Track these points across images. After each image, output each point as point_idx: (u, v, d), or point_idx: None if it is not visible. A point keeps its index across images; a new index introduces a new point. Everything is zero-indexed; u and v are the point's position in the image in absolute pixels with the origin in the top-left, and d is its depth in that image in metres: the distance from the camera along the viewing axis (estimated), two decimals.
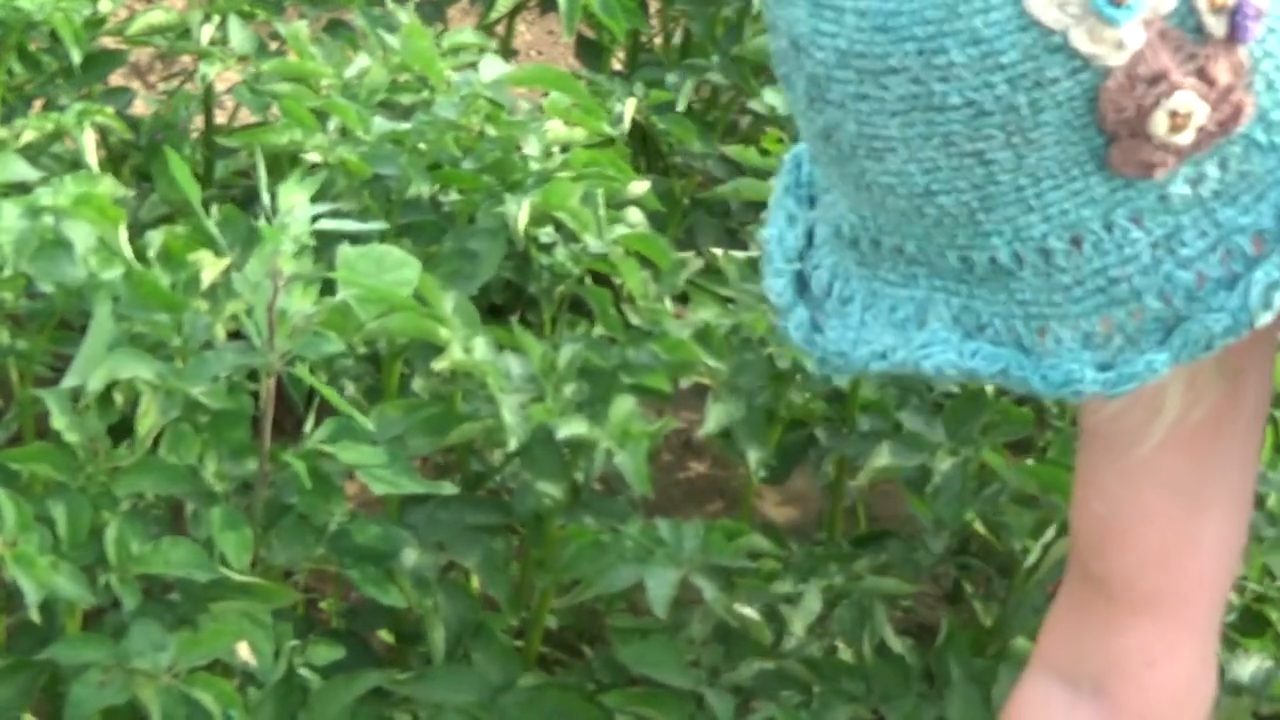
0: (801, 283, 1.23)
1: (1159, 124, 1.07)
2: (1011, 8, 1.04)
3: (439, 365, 1.88)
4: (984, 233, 1.10)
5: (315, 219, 1.72)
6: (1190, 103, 1.06)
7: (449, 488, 1.86)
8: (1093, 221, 1.09)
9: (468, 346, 1.87)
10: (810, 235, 1.23)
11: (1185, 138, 1.07)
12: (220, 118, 2.77)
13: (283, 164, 2.14)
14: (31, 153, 2.14)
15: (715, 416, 2.04)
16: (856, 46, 1.07)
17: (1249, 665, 2.07)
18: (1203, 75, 1.06)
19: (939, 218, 1.11)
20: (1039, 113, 1.06)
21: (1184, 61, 1.06)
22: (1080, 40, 1.04)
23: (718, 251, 2.20)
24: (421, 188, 2.01)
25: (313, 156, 2.03)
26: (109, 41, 2.50)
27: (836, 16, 1.07)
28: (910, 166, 1.09)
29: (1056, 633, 1.39)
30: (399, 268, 1.71)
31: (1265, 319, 1.10)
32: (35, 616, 1.73)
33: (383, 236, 1.94)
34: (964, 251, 1.12)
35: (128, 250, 1.84)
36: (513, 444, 1.84)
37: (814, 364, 1.22)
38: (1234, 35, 1.07)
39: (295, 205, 1.70)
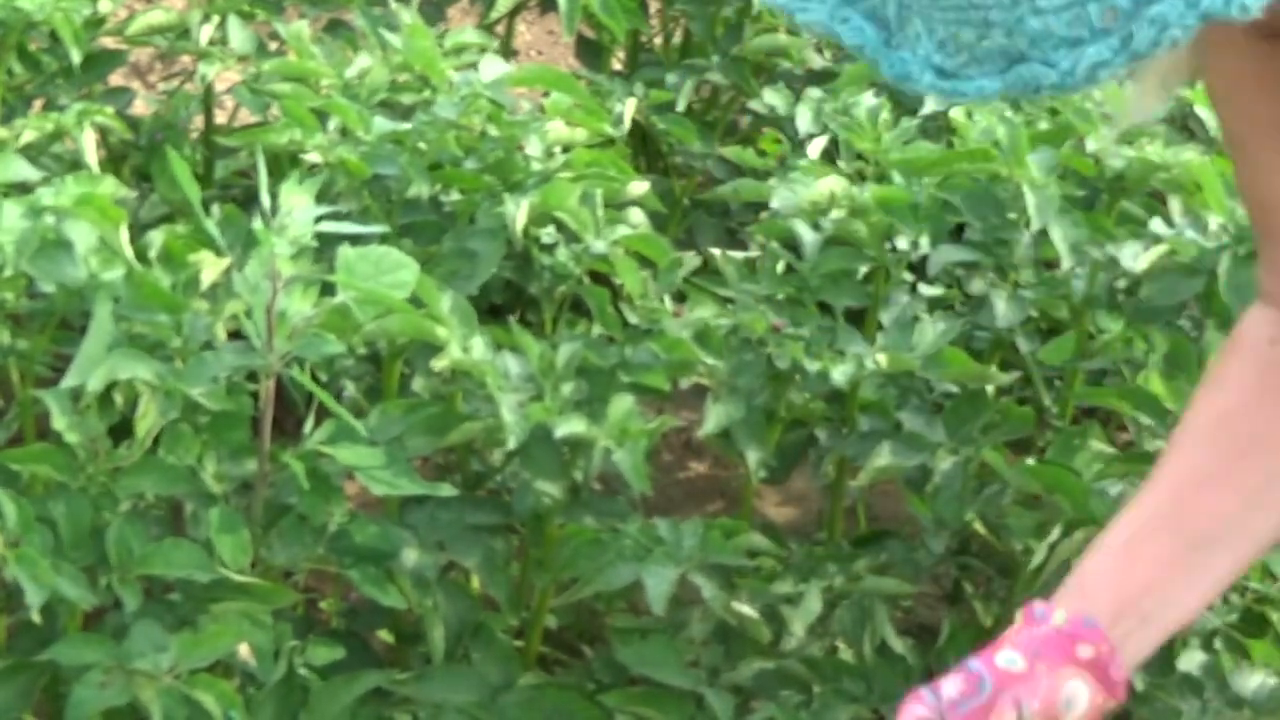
0: None
1: None
2: None
3: (438, 365, 1.88)
4: None
5: (318, 220, 1.72)
6: None
7: (448, 489, 1.86)
8: None
9: (466, 346, 1.87)
10: None
11: None
12: (220, 118, 2.76)
13: (283, 164, 2.14)
14: (31, 153, 2.14)
15: (715, 417, 2.04)
16: None
17: (1252, 680, 2.07)
18: None
19: None
20: None
21: None
22: None
23: (716, 251, 2.20)
24: (422, 188, 2.01)
25: (313, 156, 2.03)
26: (109, 41, 2.50)
27: None
28: None
29: (1266, 272, 1.53)
30: (397, 269, 1.71)
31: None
32: (36, 617, 1.73)
33: (384, 237, 1.94)
34: None
35: (128, 251, 1.84)
36: (512, 443, 1.84)
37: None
38: None
39: (296, 207, 1.70)
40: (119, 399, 1.83)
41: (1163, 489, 1.66)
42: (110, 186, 1.87)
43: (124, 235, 1.84)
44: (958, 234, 2.28)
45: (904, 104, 2.44)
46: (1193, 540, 1.60)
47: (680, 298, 2.14)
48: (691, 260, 2.15)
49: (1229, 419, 1.60)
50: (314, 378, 1.94)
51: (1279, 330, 1.54)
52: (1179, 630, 1.69)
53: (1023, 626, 1.59)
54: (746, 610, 2.00)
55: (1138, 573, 1.61)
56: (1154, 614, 1.58)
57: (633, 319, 2.05)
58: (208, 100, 2.58)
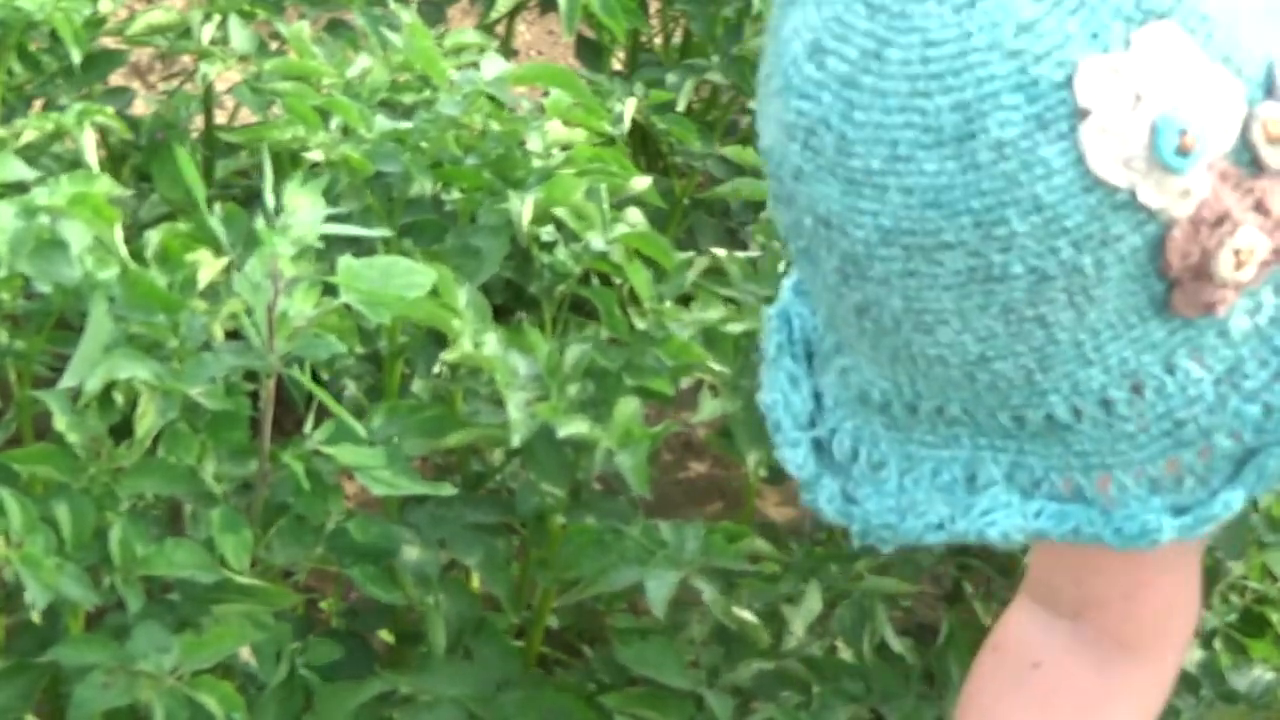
0: (820, 449, 1.19)
1: (1224, 264, 1.04)
2: (1074, 170, 1.01)
3: (449, 357, 1.87)
4: (1040, 392, 1.08)
5: (325, 220, 1.71)
6: (1251, 238, 1.05)
7: (448, 489, 1.86)
8: (1153, 366, 1.07)
9: (478, 341, 1.86)
10: (818, 397, 1.20)
11: (1247, 273, 1.06)
12: (220, 117, 2.76)
13: (284, 162, 2.14)
14: (31, 153, 2.14)
15: (708, 408, 2.03)
16: (904, 224, 1.03)
17: (1248, 675, 2.07)
18: (1260, 208, 1.04)
19: (993, 382, 1.08)
20: (1103, 270, 1.03)
21: (1242, 197, 1.04)
22: (1148, 195, 1.01)
23: (720, 252, 2.20)
24: (424, 186, 2.00)
25: (315, 155, 2.03)
26: (109, 41, 2.49)
27: (878, 195, 1.03)
28: (964, 337, 1.06)
29: (1036, 567, 1.37)
30: (409, 275, 1.70)
31: None
32: (37, 618, 1.73)
33: (386, 241, 1.94)
34: (1017, 412, 1.10)
35: (123, 249, 1.83)
36: (516, 440, 1.83)
37: (854, 536, 1.19)
38: None
39: (299, 207, 1.69)
40: (119, 399, 1.83)
41: None
42: (105, 185, 1.86)
43: (118, 234, 1.83)
44: None
45: None
46: None
47: (685, 300, 2.13)
48: (700, 261, 2.15)
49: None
50: (315, 377, 1.94)
51: (1042, 650, 1.36)
52: None
53: None
54: (747, 615, 2.00)
55: None
56: None
57: (640, 323, 2.04)
58: (208, 100, 2.57)
